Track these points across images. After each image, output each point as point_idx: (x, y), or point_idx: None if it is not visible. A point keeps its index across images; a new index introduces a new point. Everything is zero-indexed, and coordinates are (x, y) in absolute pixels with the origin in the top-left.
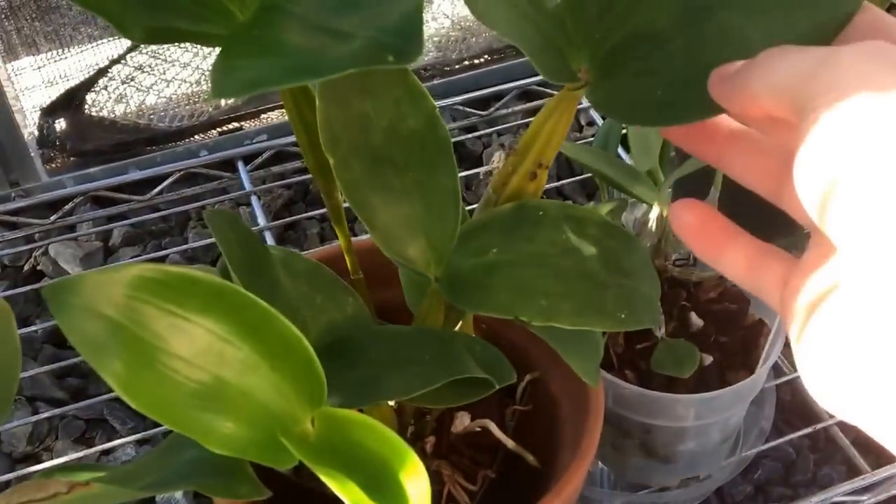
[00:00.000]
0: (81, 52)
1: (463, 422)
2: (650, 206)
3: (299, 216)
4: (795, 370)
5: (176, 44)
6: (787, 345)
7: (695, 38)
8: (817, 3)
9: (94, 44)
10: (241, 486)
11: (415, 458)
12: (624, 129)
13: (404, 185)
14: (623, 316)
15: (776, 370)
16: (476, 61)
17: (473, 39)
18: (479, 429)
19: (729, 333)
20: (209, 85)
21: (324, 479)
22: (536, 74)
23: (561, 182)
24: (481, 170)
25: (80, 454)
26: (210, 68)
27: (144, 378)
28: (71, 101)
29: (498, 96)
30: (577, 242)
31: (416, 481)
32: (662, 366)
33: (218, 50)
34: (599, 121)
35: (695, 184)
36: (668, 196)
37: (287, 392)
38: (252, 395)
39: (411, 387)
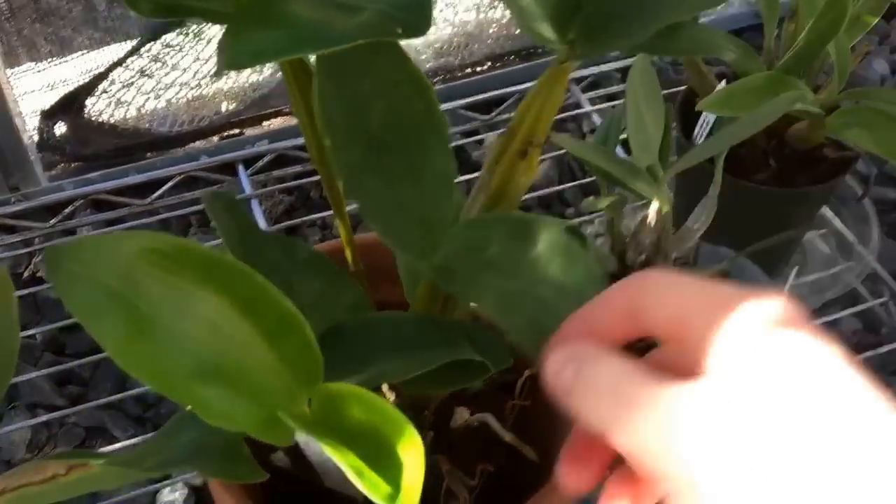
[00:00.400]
0: (82, 56)
1: (462, 416)
2: (649, 202)
3: (300, 219)
4: None
5: (185, 33)
6: None
7: None
8: None
9: (95, 48)
10: (239, 467)
11: (409, 427)
12: (625, 127)
13: (400, 168)
14: None
15: None
16: (478, 67)
17: (476, 45)
18: (477, 423)
19: None
20: (218, 63)
21: (325, 448)
22: (537, 79)
23: (562, 186)
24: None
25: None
26: (219, 44)
27: (143, 347)
28: (71, 105)
29: (500, 101)
30: (566, 268)
31: (410, 449)
32: None
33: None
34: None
35: (695, 182)
36: (668, 192)
37: (284, 369)
38: (250, 371)
39: (406, 369)
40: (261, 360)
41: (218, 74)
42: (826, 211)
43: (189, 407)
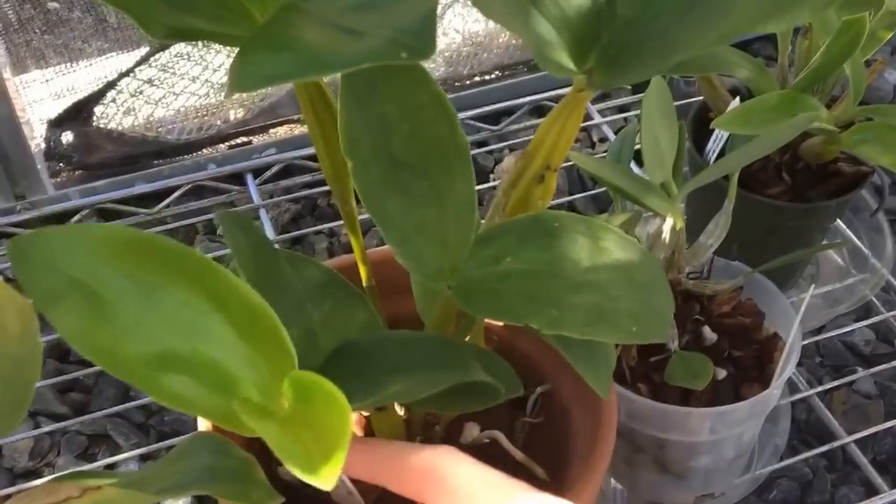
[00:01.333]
0: (90, 65)
1: (472, 432)
2: (663, 219)
3: (307, 230)
4: (811, 387)
5: (195, 42)
6: (801, 360)
7: (689, 23)
8: None
9: (103, 57)
10: (253, 491)
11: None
12: (638, 144)
13: (422, 190)
14: (634, 329)
15: (791, 387)
16: (487, 77)
17: (485, 55)
18: (487, 440)
19: (743, 347)
20: (225, 87)
21: (270, 446)
22: (548, 90)
23: (573, 197)
24: (494, 184)
25: (84, 469)
26: (227, 71)
27: (102, 333)
28: (78, 114)
29: (509, 111)
30: (591, 255)
31: (340, 427)
32: (675, 378)
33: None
34: (611, 136)
35: (708, 196)
36: (682, 208)
37: (257, 360)
38: (219, 362)
39: (417, 389)
40: (231, 352)
41: (227, 95)
42: (839, 222)
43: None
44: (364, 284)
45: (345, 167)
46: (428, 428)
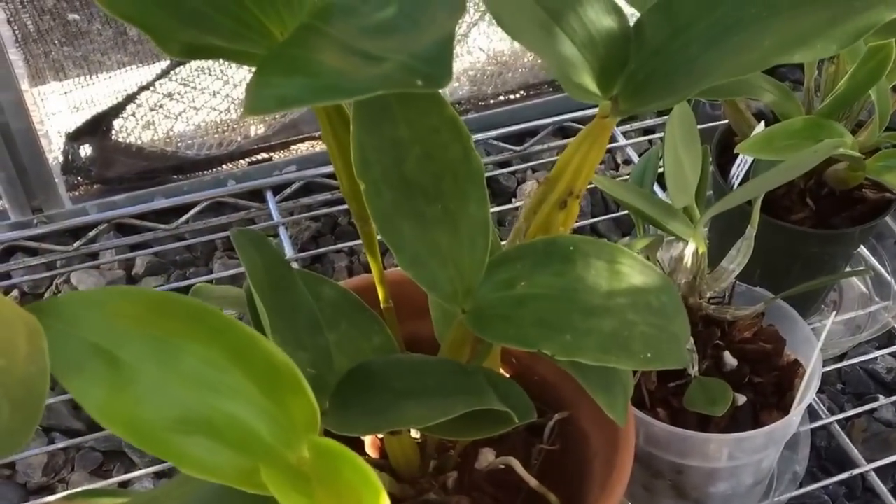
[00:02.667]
0: (110, 77)
1: (487, 458)
2: (686, 243)
3: (327, 248)
4: (832, 414)
5: (212, 60)
6: (822, 387)
7: (719, 53)
8: (849, 7)
9: (123, 70)
10: None
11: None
12: (661, 168)
13: (435, 214)
14: (649, 355)
15: (811, 414)
16: (511, 96)
17: (510, 74)
18: (502, 466)
19: (763, 373)
20: (242, 107)
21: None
22: (572, 111)
23: (596, 219)
24: (516, 205)
25: (97, 487)
26: (244, 91)
27: (124, 400)
28: (97, 127)
29: (533, 132)
30: (607, 280)
31: None
32: (695, 403)
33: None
34: (635, 158)
35: (731, 221)
36: (705, 233)
37: (280, 416)
38: (240, 420)
39: (429, 416)
40: (253, 408)
41: (242, 117)
42: (862, 249)
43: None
44: (382, 306)
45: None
46: (442, 452)
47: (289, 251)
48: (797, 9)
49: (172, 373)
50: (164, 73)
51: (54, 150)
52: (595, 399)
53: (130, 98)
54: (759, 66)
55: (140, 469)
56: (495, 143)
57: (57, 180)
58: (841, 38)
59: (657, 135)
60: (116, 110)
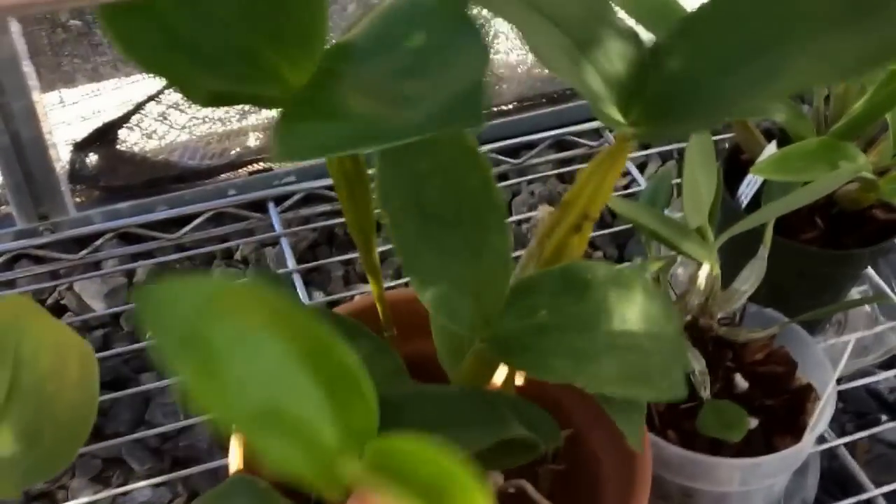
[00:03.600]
0: (117, 88)
1: (496, 481)
2: (698, 264)
3: (326, 260)
4: (838, 437)
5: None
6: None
7: (740, 77)
8: (876, 30)
9: (130, 80)
10: None
11: (472, 486)
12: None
13: (455, 244)
14: (665, 385)
15: (818, 436)
16: (504, 107)
17: (505, 86)
18: (512, 490)
19: (775, 396)
20: (272, 150)
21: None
22: (569, 124)
23: (593, 234)
24: (515, 219)
25: (97, 495)
26: (273, 130)
27: (212, 386)
28: (104, 137)
29: (529, 145)
30: (624, 307)
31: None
32: (708, 428)
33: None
34: (632, 168)
35: (740, 239)
36: (717, 254)
37: (339, 421)
38: (306, 421)
39: (457, 449)
40: (316, 413)
41: (274, 161)
42: (868, 268)
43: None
44: (384, 333)
45: (368, 224)
46: None
47: (290, 262)
48: (822, 34)
49: (251, 369)
50: (170, 84)
51: (62, 159)
52: (619, 426)
53: (136, 108)
54: (790, 90)
55: (140, 478)
56: (492, 156)
57: (63, 188)
58: (868, 60)
59: (654, 149)
60: (122, 120)
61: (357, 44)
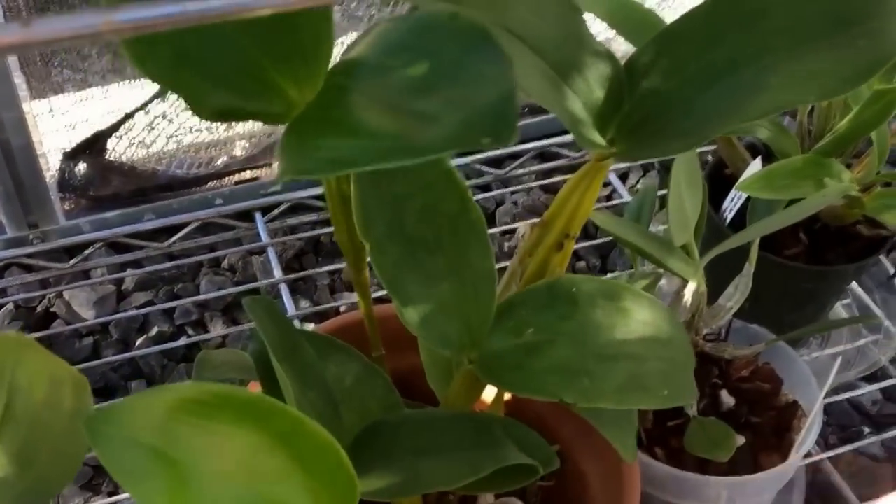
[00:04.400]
0: (105, 97)
1: (486, 500)
2: (684, 281)
3: (313, 270)
4: (822, 450)
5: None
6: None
7: (717, 95)
8: (852, 46)
9: (119, 91)
10: None
11: None
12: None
13: (438, 267)
14: (666, 392)
15: None
16: None
17: None
18: None
19: (761, 413)
20: (280, 165)
21: None
22: (553, 135)
23: (576, 245)
24: (499, 229)
25: (87, 503)
26: (280, 145)
27: (181, 500)
28: (93, 146)
29: (513, 156)
30: (613, 318)
31: None
32: (695, 447)
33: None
34: (614, 180)
35: (725, 255)
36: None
37: (320, 496)
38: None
39: (455, 476)
40: (296, 490)
41: (281, 177)
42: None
43: None
44: (373, 354)
45: (361, 242)
46: (443, 496)
47: (277, 272)
48: (798, 49)
49: (224, 465)
50: (159, 94)
51: (51, 168)
52: (609, 439)
53: (125, 118)
54: (772, 110)
55: None
56: (476, 166)
57: (53, 197)
58: (850, 79)
59: (637, 161)
60: (111, 130)
61: (364, 59)
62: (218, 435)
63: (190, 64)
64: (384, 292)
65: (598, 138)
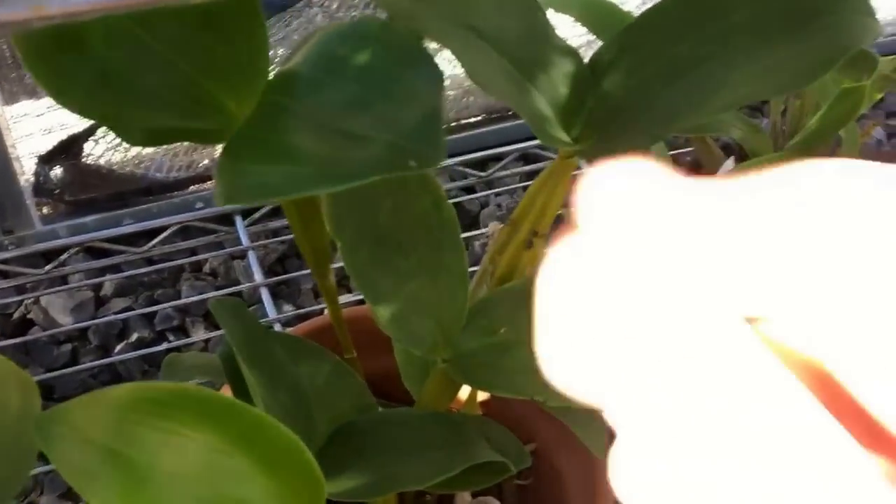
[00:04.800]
0: None
1: (464, 499)
2: None
3: (295, 273)
4: None
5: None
6: None
7: (679, 90)
8: (811, 41)
9: None
10: None
11: None
12: None
13: (410, 267)
14: None
15: None
16: (472, 120)
17: (471, 98)
18: None
19: None
20: (216, 190)
21: None
22: (534, 137)
23: None
24: (479, 232)
25: None
26: (216, 169)
27: (140, 498)
28: (69, 150)
29: (496, 158)
30: None
31: None
32: None
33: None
34: None
35: None
36: None
37: (286, 496)
38: (250, 501)
39: (426, 475)
40: (259, 491)
41: (218, 204)
42: None
43: None
44: (345, 356)
45: (322, 248)
46: (419, 496)
47: (258, 276)
48: (758, 45)
49: (182, 465)
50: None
51: (26, 172)
52: (579, 435)
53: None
54: (733, 104)
55: None
56: (459, 169)
57: (28, 202)
58: (808, 72)
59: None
60: (87, 133)
61: (300, 74)
62: (176, 434)
63: (115, 85)
64: (360, 296)
65: (562, 135)
